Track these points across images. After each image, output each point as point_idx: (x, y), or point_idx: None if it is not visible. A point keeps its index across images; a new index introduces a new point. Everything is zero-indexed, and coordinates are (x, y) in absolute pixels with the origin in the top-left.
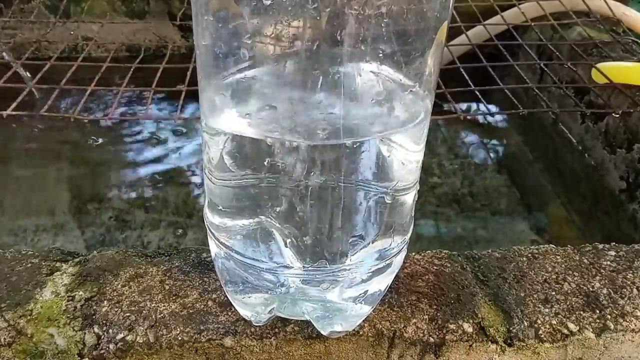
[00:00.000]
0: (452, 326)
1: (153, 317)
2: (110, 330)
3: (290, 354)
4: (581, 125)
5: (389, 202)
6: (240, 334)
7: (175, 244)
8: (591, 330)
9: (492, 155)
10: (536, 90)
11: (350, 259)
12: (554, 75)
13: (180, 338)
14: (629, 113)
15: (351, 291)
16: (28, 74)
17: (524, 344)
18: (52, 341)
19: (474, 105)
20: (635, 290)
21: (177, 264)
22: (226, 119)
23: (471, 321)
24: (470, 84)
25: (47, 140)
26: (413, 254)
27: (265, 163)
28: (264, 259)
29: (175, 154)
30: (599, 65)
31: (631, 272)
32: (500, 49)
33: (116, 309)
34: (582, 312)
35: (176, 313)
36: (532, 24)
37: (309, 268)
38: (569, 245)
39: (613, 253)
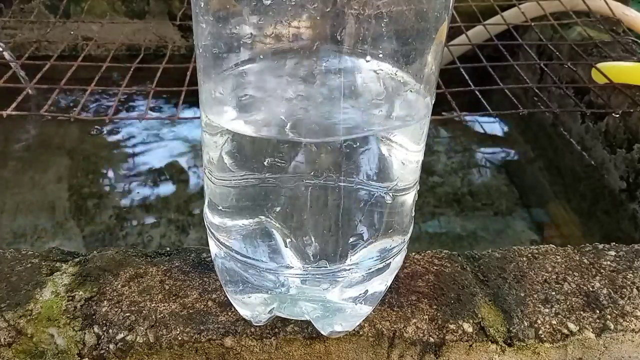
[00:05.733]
0: (452, 326)
1: (153, 317)
2: (110, 330)
3: (290, 354)
4: (581, 125)
5: (389, 202)
6: (240, 334)
7: (177, 242)
8: (591, 330)
9: (492, 155)
10: (536, 90)
11: (350, 259)
12: (554, 75)
13: (180, 338)
14: (629, 113)
15: (351, 291)
16: (25, 75)
17: (524, 344)
18: (52, 341)
19: (473, 105)
20: (635, 290)
21: (177, 264)
22: (226, 119)
23: (471, 321)
24: (470, 84)
25: (47, 139)
26: (413, 254)
27: (265, 163)
28: (264, 259)
29: (174, 154)
30: (599, 65)
31: (631, 272)
32: (500, 49)
33: (116, 309)
34: (582, 312)
35: (176, 313)
36: (532, 24)
37: (309, 268)
38: (569, 245)
39: (613, 253)
